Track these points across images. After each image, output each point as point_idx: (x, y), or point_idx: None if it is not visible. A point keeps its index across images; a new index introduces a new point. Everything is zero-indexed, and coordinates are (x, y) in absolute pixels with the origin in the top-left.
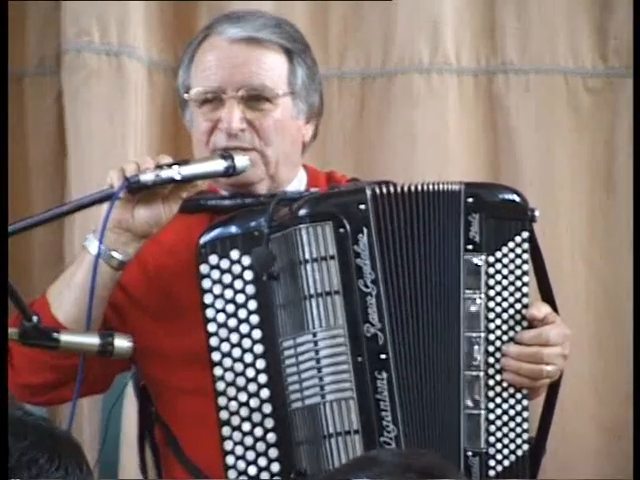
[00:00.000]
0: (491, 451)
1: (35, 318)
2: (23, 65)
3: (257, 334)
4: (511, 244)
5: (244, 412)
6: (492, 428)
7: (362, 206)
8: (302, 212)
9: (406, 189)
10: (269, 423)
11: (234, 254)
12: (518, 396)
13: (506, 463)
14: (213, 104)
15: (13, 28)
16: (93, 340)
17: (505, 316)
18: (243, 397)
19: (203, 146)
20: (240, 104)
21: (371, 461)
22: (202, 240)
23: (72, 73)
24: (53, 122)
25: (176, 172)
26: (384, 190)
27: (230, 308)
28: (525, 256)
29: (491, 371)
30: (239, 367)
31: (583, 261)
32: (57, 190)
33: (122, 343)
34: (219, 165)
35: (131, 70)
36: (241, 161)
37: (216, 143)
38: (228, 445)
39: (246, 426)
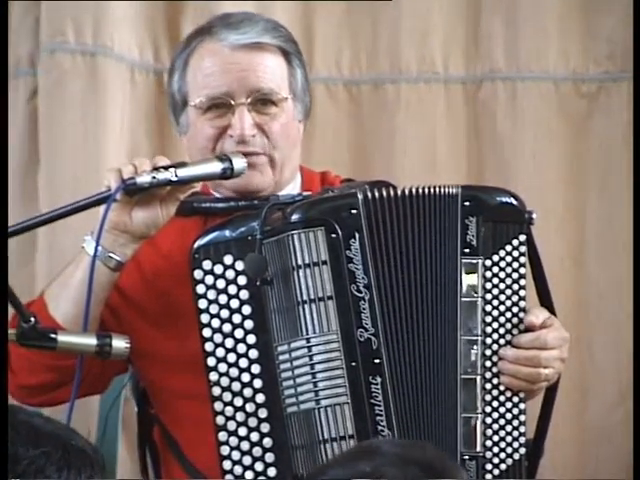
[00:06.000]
0: (488, 455)
1: (33, 319)
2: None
3: (252, 339)
4: (508, 247)
5: (240, 417)
6: (489, 431)
7: (354, 211)
8: (294, 217)
9: (400, 192)
10: (265, 428)
11: (227, 259)
12: (515, 399)
13: (503, 467)
14: (220, 110)
15: None
16: (90, 341)
17: (502, 319)
18: (239, 402)
19: (208, 153)
20: (250, 110)
21: (372, 451)
22: (196, 245)
23: (47, 73)
24: (26, 125)
25: (173, 174)
26: (376, 194)
27: (224, 313)
28: (522, 259)
29: (488, 374)
30: (234, 372)
31: (574, 265)
32: (32, 194)
33: (119, 344)
34: (216, 167)
35: (108, 70)
36: (238, 163)
37: (225, 149)
38: (225, 450)
39: (242, 431)
